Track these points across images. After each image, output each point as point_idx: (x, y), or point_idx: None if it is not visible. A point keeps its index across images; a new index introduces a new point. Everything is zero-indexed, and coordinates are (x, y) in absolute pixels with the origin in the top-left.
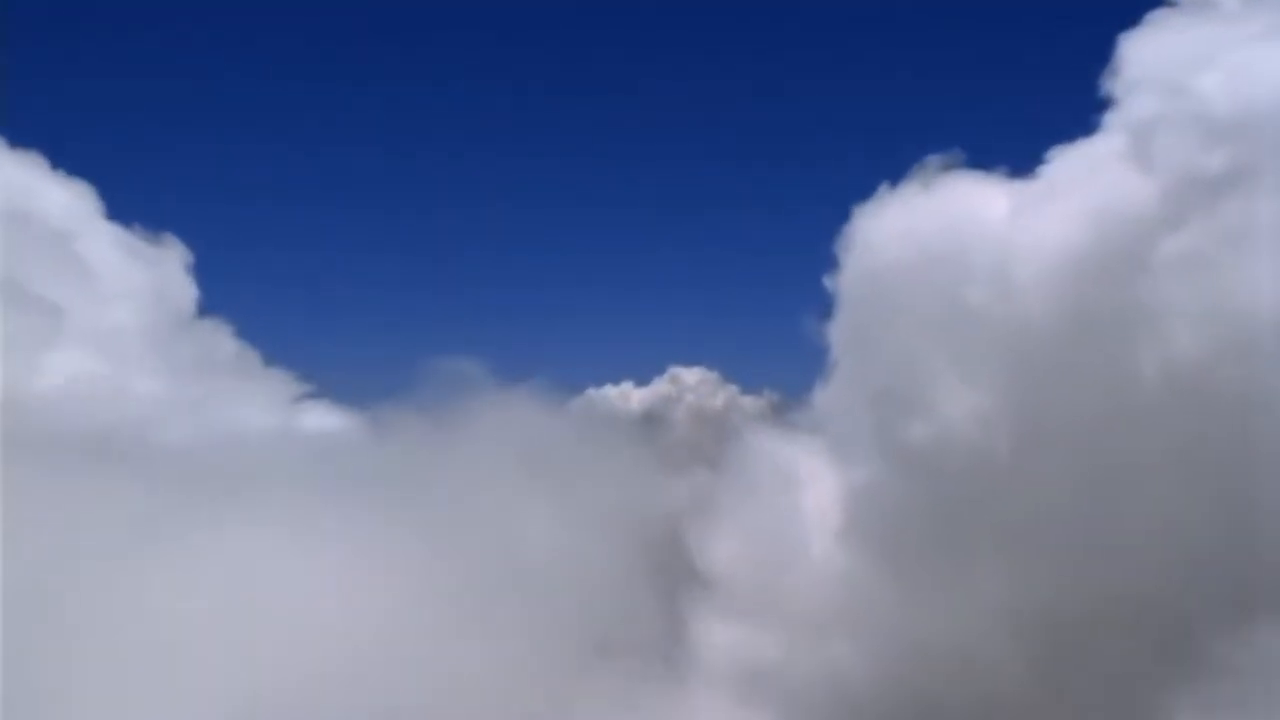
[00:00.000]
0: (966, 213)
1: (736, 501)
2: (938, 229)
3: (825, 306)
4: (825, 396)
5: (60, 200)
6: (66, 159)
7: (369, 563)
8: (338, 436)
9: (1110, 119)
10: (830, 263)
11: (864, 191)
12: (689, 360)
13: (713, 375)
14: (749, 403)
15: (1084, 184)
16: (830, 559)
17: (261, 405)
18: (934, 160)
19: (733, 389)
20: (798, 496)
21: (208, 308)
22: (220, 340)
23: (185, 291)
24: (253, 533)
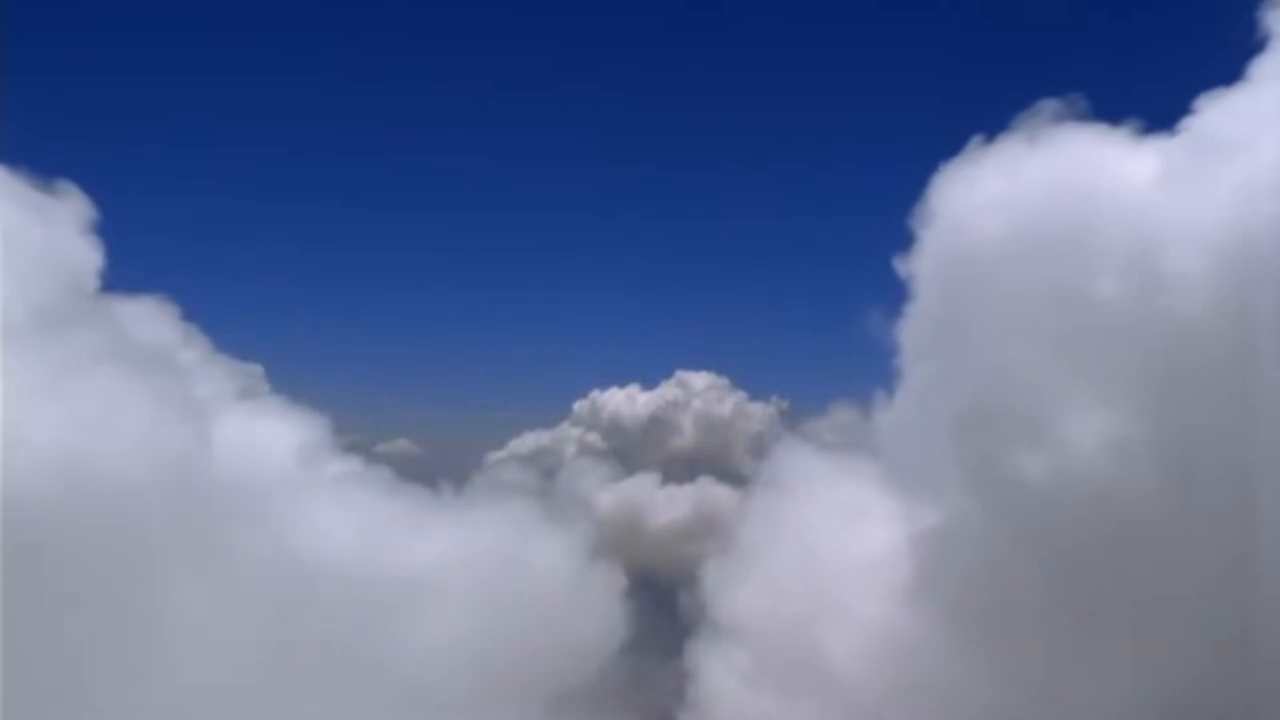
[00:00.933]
0: (1091, 177)
1: (764, 534)
2: (1051, 198)
3: (893, 299)
4: (890, 413)
5: None
6: None
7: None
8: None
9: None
10: (863, 260)
11: (924, 164)
12: (697, 364)
13: (721, 380)
14: (757, 410)
15: (1254, 142)
16: (889, 618)
17: (177, 414)
18: (1046, 107)
19: (740, 395)
20: (846, 535)
21: (157, 289)
22: (139, 323)
23: (82, 257)
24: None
